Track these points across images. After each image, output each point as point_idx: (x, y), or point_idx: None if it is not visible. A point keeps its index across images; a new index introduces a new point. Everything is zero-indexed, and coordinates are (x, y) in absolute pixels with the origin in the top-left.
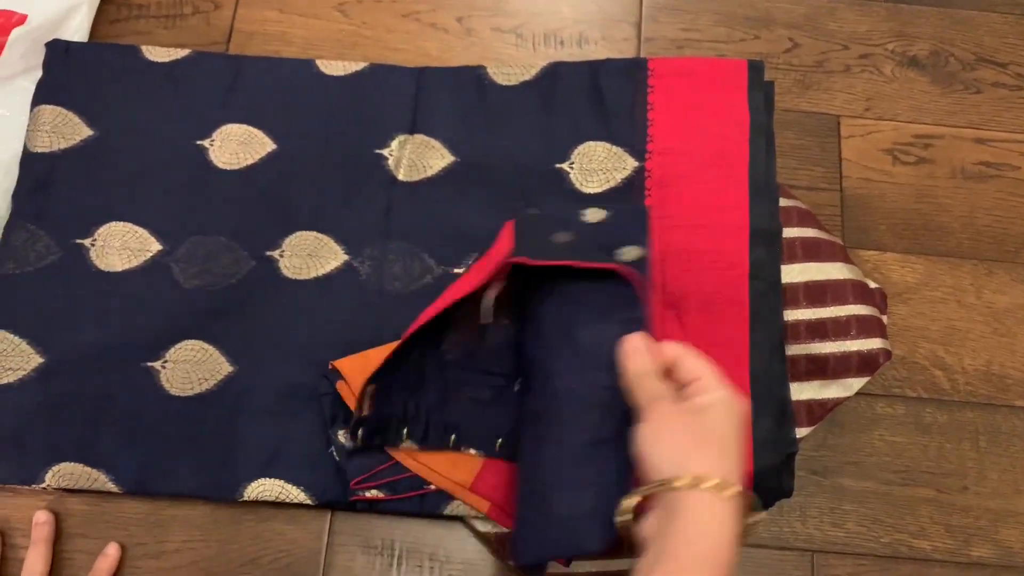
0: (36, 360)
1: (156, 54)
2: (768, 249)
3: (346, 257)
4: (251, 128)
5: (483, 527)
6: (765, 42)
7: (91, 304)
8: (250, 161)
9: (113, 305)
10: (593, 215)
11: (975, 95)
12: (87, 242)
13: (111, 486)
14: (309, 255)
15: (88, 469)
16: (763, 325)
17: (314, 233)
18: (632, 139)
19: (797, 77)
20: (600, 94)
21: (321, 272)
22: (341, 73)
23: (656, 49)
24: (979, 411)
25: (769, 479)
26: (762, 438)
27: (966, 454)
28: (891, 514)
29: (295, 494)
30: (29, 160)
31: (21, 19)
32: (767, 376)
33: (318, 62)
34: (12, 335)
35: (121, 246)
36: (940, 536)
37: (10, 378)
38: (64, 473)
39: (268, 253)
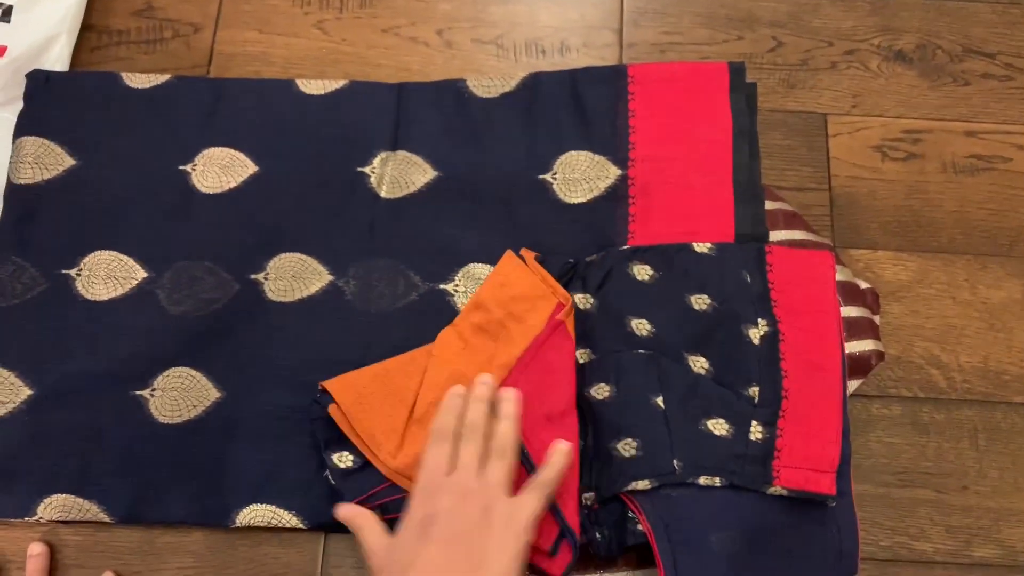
0: (25, 392)
1: (136, 80)
2: None
3: (331, 277)
4: (233, 151)
5: None
6: (749, 42)
7: (78, 334)
8: (232, 184)
9: (100, 334)
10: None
11: (964, 87)
12: (73, 272)
13: (103, 516)
14: (294, 277)
15: (80, 500)
16: None
17: (298, 255)
18: (614, 147)
19: (782, 76)
20: (581, 103)
21: (306, 293)
22: (321, 92)
23: (638, 54)
24: (977, 409)
25: None
26: None
27: (965, 453)
28: (890, 516)
29: (287, 519)
30: (13, 192)
31: (1, 50)
32: None
33: (298, 81)
34: (1, 368)
35: (107, 275)
36: (941, 537)
37: (0, 411)
38: (56, 505)
39: (253, 276)
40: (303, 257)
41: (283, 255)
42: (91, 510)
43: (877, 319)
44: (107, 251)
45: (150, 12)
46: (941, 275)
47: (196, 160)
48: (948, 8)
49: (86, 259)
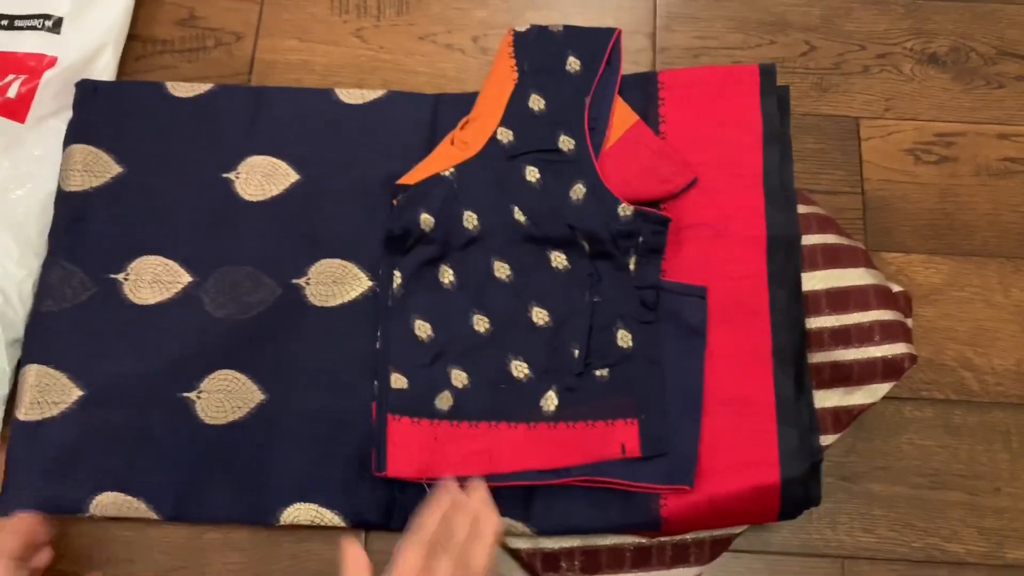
0: (76, 393)
1: (180, 89)
2: (787, 257)
3: (370, 283)
4: (275, 159)
5: (515, 544)
6: (781, 46)
7: (127, 337)
8: (275, 192)
9: (148, 338)
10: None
11: (998, 90)
12: (120, 277)
13: (151, 514)
14: (334, 282)
15: (129, 498)
16: (785, 334)
17: (338, 260)
18: None
19: (815, 80)
20: None
21: (346, 298)
22: (359, 101)
23: (671, 59)
24: (1010, 411)
25: (796, 488)
26: (787, 448)
27: (997, 455)
28: (922, 518)
29: (329, 517)
30: (63, 199)
31: (52, 61)
32: (791, 385)
33: (337, 91)
34: (53, 370)
35: (153, 279)
36: (973, 539)
37: (53, 411)
38: (106, 503)
39: (295, 281)
40: (343, 263)
41: (324, 261)
42: (139, 508)
43: (909, 322)
44: (153, 256)
45: (192, 21)
46: (974, 278)
47: (239, 168)
48: (982, 11)
49: (133, 264)
